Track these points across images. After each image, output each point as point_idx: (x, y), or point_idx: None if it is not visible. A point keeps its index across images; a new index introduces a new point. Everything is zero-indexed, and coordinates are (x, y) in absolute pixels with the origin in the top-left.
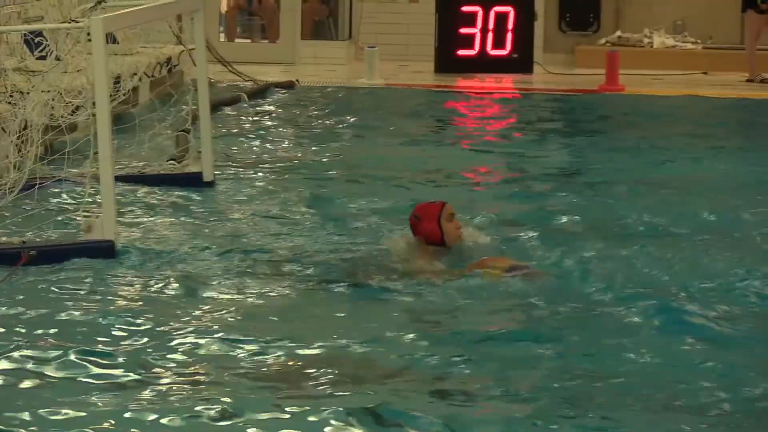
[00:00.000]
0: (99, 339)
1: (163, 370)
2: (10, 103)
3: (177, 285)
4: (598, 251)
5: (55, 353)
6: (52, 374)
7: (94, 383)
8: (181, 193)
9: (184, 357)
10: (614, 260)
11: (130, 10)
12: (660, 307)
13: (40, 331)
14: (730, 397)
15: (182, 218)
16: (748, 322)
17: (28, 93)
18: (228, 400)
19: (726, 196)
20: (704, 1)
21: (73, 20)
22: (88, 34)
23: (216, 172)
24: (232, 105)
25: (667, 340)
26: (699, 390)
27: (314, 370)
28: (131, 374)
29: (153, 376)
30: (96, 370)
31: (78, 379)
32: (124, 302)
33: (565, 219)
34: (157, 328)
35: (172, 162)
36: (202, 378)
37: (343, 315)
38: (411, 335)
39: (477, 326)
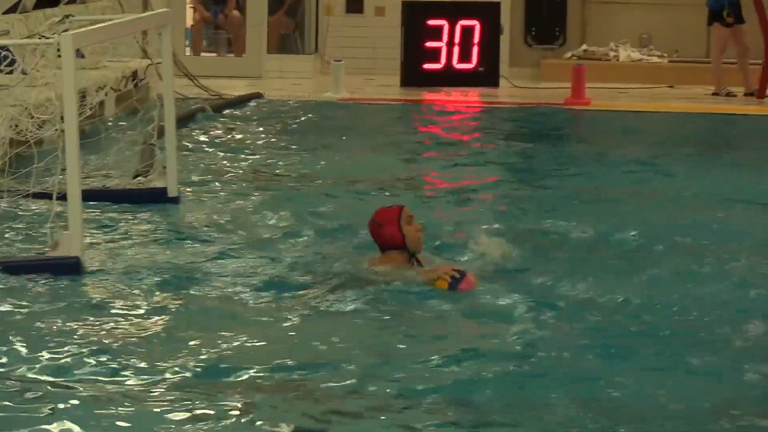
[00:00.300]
0: (63, 357)
1: (126, 389)
2: None
3: (143, 302)
4: (560, 264)
5: (18, 370)
6: (11, 391)
7: (54, 403)
8: (145, 209)
9: (150, 376)
10: (574, 273)
11: (100, 25)
12: (622, 321)
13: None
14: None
15: (147, 235)
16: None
17: None
18: (199, 422)
19: (692, 210)
20: (670, 15)
21: (42, 36)
22: (58, 49)
23: (180, 187)
24: (195, 117)
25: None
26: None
27: (285, 391)
28: (91, 393)
29: (113, 396)
30: (61, 391)
31: (38, 398)
32: (90, 319)
33: (528, 232)
34: (123, 346)
35: (139, 178)
36: (167, 395)
37: (315, 330)
38: (381, 350)
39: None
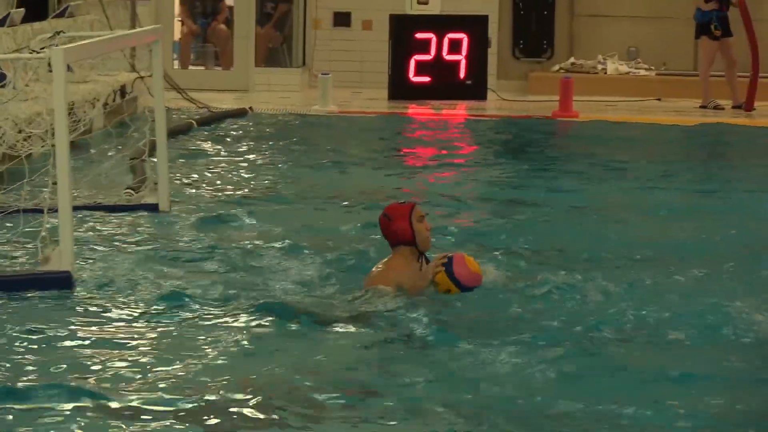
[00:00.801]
0: (54, 371)
1: (118, 403)
2: None
3: (134, 318)
4: (553, 275)
5: (6, 384)
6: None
7: (40, 419)
8: (137, 225)
9: (139, 393)
10: (560, 285)
11: (91, 41)
12: (601, 334)
13: None
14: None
15: (138, 250)
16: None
17: None
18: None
19: (681, 223)
20: (658, 28)
21: (34, 51)
22: (49, 64)
23: (172, 203)
24: (183, 132)
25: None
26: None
27: (281, 403)
28: (83, 408)
29: (106, 410)
30: (50, 404)
31: (29, 414)
32: (81, 334)
33: (517, 244)
34: (113, 361)
35: (129, 191)
36: (157, 415)
37: (307, 347)
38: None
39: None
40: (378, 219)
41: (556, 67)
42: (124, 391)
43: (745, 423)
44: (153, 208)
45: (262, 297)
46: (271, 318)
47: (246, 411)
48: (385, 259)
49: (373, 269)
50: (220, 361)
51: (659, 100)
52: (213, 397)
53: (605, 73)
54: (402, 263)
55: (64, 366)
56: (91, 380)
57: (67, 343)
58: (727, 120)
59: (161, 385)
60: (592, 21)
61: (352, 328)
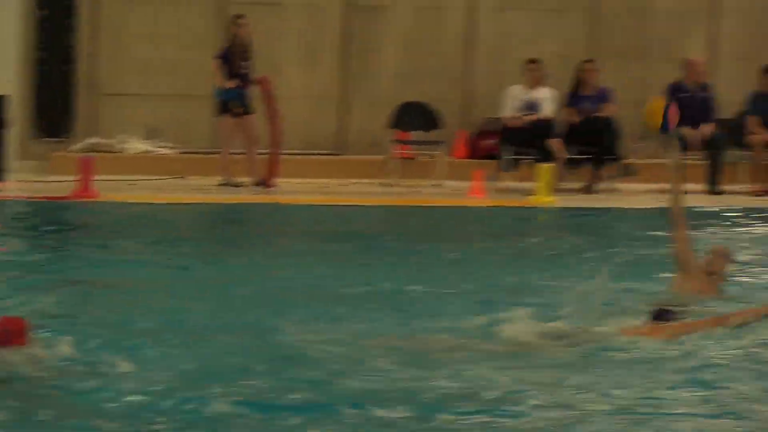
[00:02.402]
0: None
1: None
2: None
3: None
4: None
5: None
6: None
7: None
8: None
9: None
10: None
11: None
12: None
13: None
14: None
15: None
16: None
17: None
18: None
19: (202, 298)
20: (179, 106)
21: None
22: None
23: None
24: None
25: None
26: None
27: None
28: None
29: None
30: None
31: None
32: None
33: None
34: None
35: None
36: None
37: None
38: None
39: None
40: None
41: (77, 147)
42: None
43: None
44: None
45: None
46: None
47: None
48: None
49: None
50: None
51: (182, 178)
52: None
53: (126, 152)
54: None
55: None
56: None
57: None
58: (246, 197)
59: None
60: (113, 100)
61: None
